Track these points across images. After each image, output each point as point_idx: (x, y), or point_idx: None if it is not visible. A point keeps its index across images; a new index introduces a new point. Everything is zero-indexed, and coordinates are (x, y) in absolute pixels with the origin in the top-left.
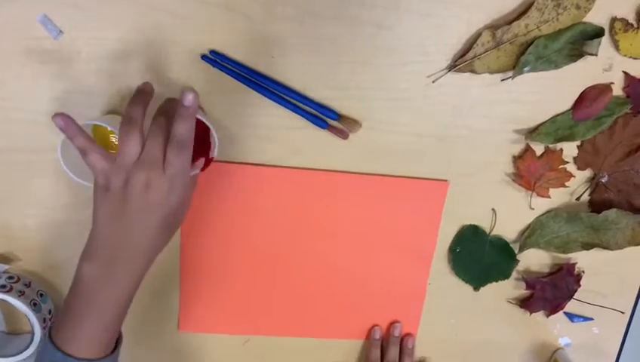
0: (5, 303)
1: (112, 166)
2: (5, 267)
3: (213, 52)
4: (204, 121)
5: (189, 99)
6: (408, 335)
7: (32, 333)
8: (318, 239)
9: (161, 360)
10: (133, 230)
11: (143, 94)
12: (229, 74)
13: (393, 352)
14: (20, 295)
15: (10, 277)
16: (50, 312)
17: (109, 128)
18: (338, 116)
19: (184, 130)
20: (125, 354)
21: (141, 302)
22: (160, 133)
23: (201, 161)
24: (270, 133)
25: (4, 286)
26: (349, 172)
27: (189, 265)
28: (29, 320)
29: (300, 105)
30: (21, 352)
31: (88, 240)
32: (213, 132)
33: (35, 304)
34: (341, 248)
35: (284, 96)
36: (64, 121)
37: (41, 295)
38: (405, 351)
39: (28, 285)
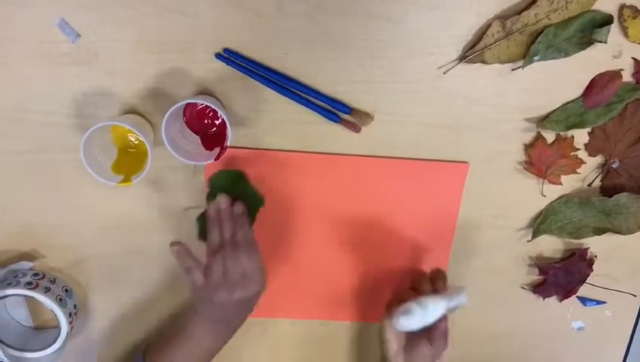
0: (32, 299)
1: (206, 284)
2: (30, 264)
3: (227, 50)
4: (220, 112)
5: (240, 206)
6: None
7: (59, 328)
8: (339, 222)
9: None
10: (230, 320)
11: (216, 218)
12: (242, 71)
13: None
14: (46, 291)
15: (36, 274)
16: (75, 307)
17: (127, 127)
18: (350, 110)
19: (248, 233)
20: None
21: (167, 291)
22: (234, 250)
23: (217, 149)
24: (284, 128)
25: (30, 283)
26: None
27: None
28: (55, 315)
29: (313, 100)
30: (48, 347)
31: (195, 304)
32: (228, 124)
33: (60, 299)
34: (362, 231)
35: (297, 92)
36: (180, 248)
37: (66, 291)
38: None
39: (53, 281)
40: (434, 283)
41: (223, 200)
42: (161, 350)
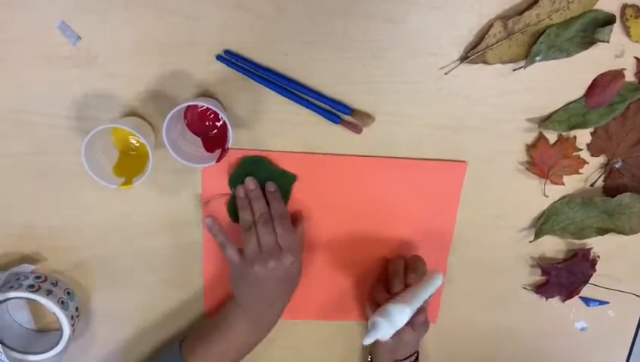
0: (34, 302)
1: (242, 260)
2: (32, 267)
3: (227, 52)
4: (221, 114)
5: (271, 185)
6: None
7: (61, 330)
8: (338, 222)
9: None
10: (270, 300)
11: (247, 198)
12: (243, 73)
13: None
14: (48, 294)
15: (38, 277)
16: (77, 309)
17: (128, 130)
18: (351, 110)
19: (280, 207)
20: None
21: (168, 293)
22: (266, 225)
23: (218, 151)
24: (285, 130)
25: (32, 286)
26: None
27: (210, 255)
28: (57, 318)
29: (314, 101)
30: (50, 349)
31: (236, 298)
32: (229, 126)
33: (62, 302)
34: (362, 231)
35: (298, 93)
36: (212, 222)
37: (68, 293)
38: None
39: (55, 284)
40: (407, 275)
41: (249, 181)
42: (199, 340)
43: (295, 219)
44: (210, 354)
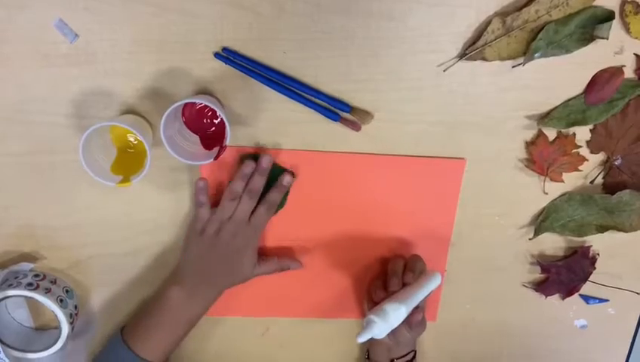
0: (33, 300)
1: (210, 217)
2: (31, 265)
3: (226, 49)
4: (219, 111)
5: (287, 179)
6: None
7: (60, 329)
8: (337, 220)
9: (187, 346)
10: (216, 268)
11: (244, 173)
12: (242, 70)
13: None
14: (47, 292)
15: (37, 275)
16: (75, 308)
17: (126, 127)
18: (350, 108)
19: (278, 197)
20: None
21: None
22: (251, 199)
23: (216, 148)
24: (283, 127)
25: (31, 284)
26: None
27: None
28: (56, 316)
29: (312, 98)
30: (49, 347)
31: (177, 267)
32: (227, 123)
33: (61, 300)
34: (360, 229)
35: (297, 91)
36: (203, 183)
37: (67, 291)
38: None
39: (54, 282)
40: (405, 274)
41: (266, 160)
42: (137, 320)
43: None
44: (148, 333)
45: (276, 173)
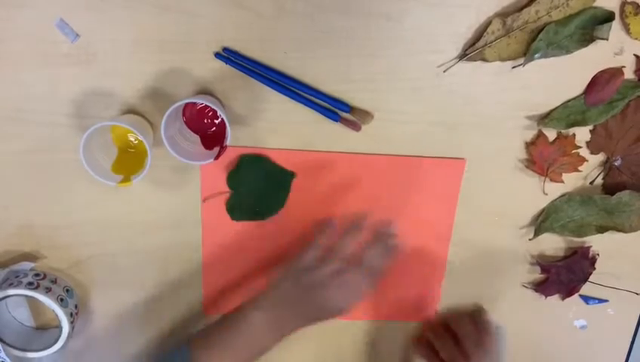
0: (33, 300)
1: (319, 265)
2: (32, 265)
3: (226, 49)
4: (219, 112)
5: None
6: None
7: (60, 328)
8: (338, 219)
9: None
10: (305, 309)
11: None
12: (242, 70)
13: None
14: (47, 291)
15: (37, 275)
16: (76, 307)
17: (127, 127)
18: (350, 108)
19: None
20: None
21: (167, 291)
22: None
23: (216, 148)
24: (283, 127)
25: (31, 284)
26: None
27: (209, 253)
28: (56, 315)
29: (312, 98)
30: (50, 347)
31: (265, 293)
32: (227, 123)
33: (61, 299)
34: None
35: (297, 91)
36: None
37: (67, 290)
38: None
39: (54, 281)
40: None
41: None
42: (211, 339)
43: None
44: (222, 354)
45: (277, 173)
